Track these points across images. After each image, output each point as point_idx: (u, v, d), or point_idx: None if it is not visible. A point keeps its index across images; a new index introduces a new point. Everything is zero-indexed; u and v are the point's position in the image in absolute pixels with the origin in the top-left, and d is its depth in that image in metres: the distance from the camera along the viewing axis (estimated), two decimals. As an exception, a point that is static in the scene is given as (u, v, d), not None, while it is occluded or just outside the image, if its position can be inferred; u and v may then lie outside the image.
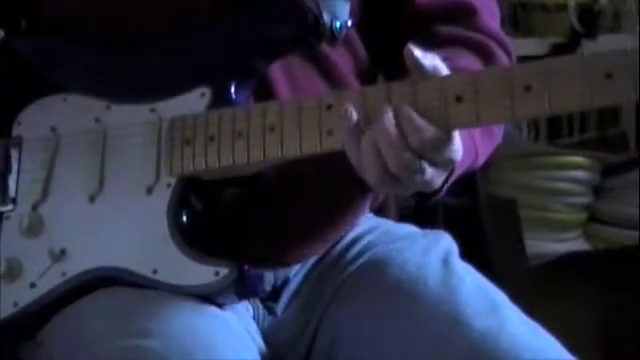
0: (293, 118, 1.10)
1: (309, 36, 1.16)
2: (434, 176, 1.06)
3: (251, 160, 1.12)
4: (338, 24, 1.15)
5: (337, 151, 1.08)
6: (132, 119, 1.20)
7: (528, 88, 1.00)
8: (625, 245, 2.48)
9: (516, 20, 2.61)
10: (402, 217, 1.41)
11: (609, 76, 0.97)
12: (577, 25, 2.52)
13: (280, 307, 1.26)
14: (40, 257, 1.20)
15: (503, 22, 2.64)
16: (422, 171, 1.03)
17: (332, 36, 1.16)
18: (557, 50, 2.51)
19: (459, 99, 1.03)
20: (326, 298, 1.25)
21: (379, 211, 1.37)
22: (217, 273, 1.12)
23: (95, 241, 1.19)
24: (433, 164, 1.04)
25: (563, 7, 2.54)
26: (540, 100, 1.00)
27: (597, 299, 2.43)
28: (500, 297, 1.19)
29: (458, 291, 1.18)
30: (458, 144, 1.06)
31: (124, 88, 1.22)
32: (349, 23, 1.17)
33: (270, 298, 1.26)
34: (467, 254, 1.27)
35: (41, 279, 1.19)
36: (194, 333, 1.09)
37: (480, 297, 1.17)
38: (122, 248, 1.18)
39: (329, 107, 1.08)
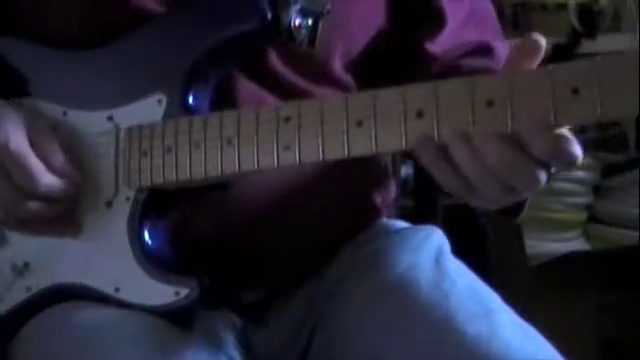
0: (250, 131, 1.07)
1: (264, 34, 1.13)
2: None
3: (208, 175, 1.09)
4: (297, 22, 1.13)
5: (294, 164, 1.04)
6: (89, 127, 1.17)
7: (490, 103, 0.94)
8: (625, 245, 2.48)
9: (516, 20, 2.61)
10: (402, 217, 1.41)
11: (575, 91, 0.90)
12: (577, 25, 2.52)
13: (271, 315, 1.24)
14: (4, 271, 1.19)
15: (503, 22, 2.65)
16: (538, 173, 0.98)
17: (289, 35, 1.13)
18: (557, 50, 2.51)
19: (420, 114, 0.97)
20: (319, 302, 1.24)
21: (390, 212, 1.35)
22: (177, 293, 1.11)
23: (57, 256, 1.17)
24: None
25: (563, 7, 2.54)
26: (502, 118, 0.93)
27: (597, 299, 2.43)
28: (492, 298, 1.18)
29: (450, 294, 1.16)
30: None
31: (80, 93, 1.19)
32: (309, 22, 1.14)
33: (260, 307, 1.24)
34: (467, 254, 1.26)
35: (7, 293, 1.18)
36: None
37: (472, 300, 1.16)
38: (84, 264, 1.16)
39: (287, 120, 1.05)
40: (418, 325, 1.14)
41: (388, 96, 1.00)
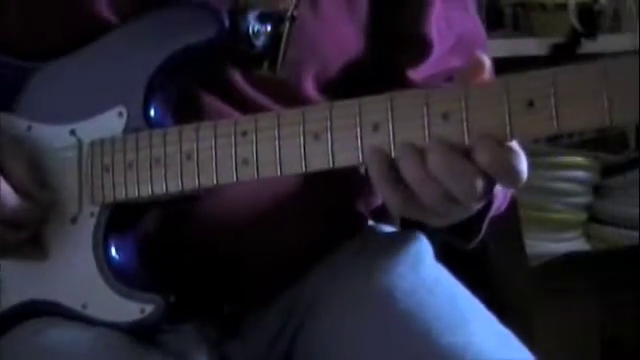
0: (208, 145, 1.06)
1: (222, 42, 1.12)
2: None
3: (169, 190, 1.09)
4: (255, 28, 1.12)
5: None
6: (53, 141, 1.16)
7: (445, 116, 0.93)
8: (625, 245, 2.48)
9: (516, 20, 2.61)
10: (403, 218, 1.40)
11: (531, 104, 0.89)
12: (577, 25, 2.52)
13: (249, 326, 1.23)
14: None
15: (503, 22, 2.65)
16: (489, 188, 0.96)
17: (248, 42, 1.13)
18: (557, 50, 2.51)
19: (375, 128, 0.97)
20: (299, 311, 1.23)
21: (381, 217, 1.35)
22: (142, 310, 1.10)
23: (27, 273, 1.17)
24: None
25: (563, 7, 2.53)
26: (457, 131, 0.93)
27: (597, 299, 2.43)
28: (471, 306, 1.18)
29: (427, 305, 1.15)
30: None
31: (43, 106, 1.18)
32: (269, 28, 1.13)
33: (237, 318, 1.23)
34: (467, 254, 1.26)
35: None
36: None
37: (449, 309, 1.15)
38: (52, 281, 1.15)
39: (244, 134, 1.04)
40: (395, 336, 1.14)
41: (344, 109, 0.99)
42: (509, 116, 0.90)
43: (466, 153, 0.93)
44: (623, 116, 0.85)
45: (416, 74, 1.25)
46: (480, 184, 0.94)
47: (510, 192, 1.21)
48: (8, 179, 1.13)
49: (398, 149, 0.96)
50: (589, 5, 2.54)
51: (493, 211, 1.14)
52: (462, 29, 1.28)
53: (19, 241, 1.15)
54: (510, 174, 0.93)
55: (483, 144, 0.92)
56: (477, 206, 1.01)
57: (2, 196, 1.11)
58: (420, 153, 0.95)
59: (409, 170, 0.95)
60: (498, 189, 1.02)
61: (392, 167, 0.96)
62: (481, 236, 1.16)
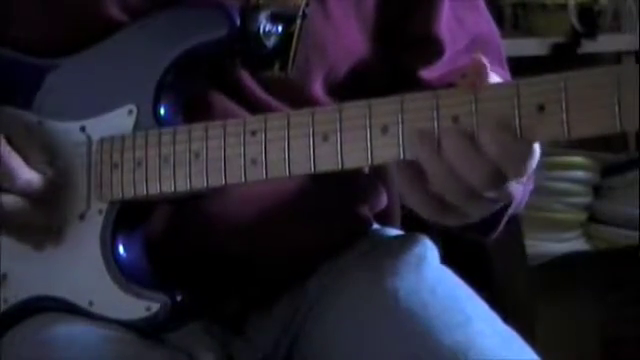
0: (217, 144, 1.06)
1: (233, 42, 1.12)
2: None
3: (178, 189, 1.09)
4: (267, 28, 1.12)
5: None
6: (63, 137, 1.16)
7: (455, 119, 0.93)
8: (625, 245, 2.48)
9: (516, 20, 2.61)
10: (404, 217, 1.41)
11: (541, 108, 0.89)
12: (577, 25, 2.52)
13: (252, 326, 1.24)
14: None
15: (503, 22, 2.65)
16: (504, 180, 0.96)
17: (259, 42, 1.12)
18: (557, 50, 2.51)
19: (385, 130, 0.97)
20: (301, 313, 1.23)
21: (383, 219, 1.34)
22: (148, 309, 1.10)
23: (34, 268, 1.17)
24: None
25: (563, 7, 2.54)
26: (467, 133, 0.92)
27: (597, 299, 2.43)
28: (473, 306, 1.17)
29: (429, 305, 1.15)
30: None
31: (54, 103, 1.18)
32: (280, 28, 1.13)
33: (241, 317, 1.23)
34: (467, 254, 1.26)
35: None
36: None
37: (451, 309, 1.15)
38: (59, 277, 1.15)
39: (253, 133, 1.04)
40: (398, 336, 1.13)
41: (354, 110, 0.99)
42: (519, 120, 0.90)
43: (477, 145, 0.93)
44: (634, 122, 0.85)
45: (430, 73, 1.24)
46: (493, 173, 0.94)
47: (529, 189, 1.21)
48: (20, 155, 1.13)
49: (413, 137, 0.96)
50: (589, 5, 2.54)
51: (513, 208, 1.14)
52: (475, 28, 1.28)
53: (33, 218, 1.14)
54: (520, 164, 0.93)
55: (491, 135, 0.93)
56: (494, 199, 0.99)
57: (14, 168, 1.12)
58: (435, 141, 0.95)
59: (428, 164, 0.95)
60: (517, 187, 1.02)
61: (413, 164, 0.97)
62: (498, 232, 1.16)
